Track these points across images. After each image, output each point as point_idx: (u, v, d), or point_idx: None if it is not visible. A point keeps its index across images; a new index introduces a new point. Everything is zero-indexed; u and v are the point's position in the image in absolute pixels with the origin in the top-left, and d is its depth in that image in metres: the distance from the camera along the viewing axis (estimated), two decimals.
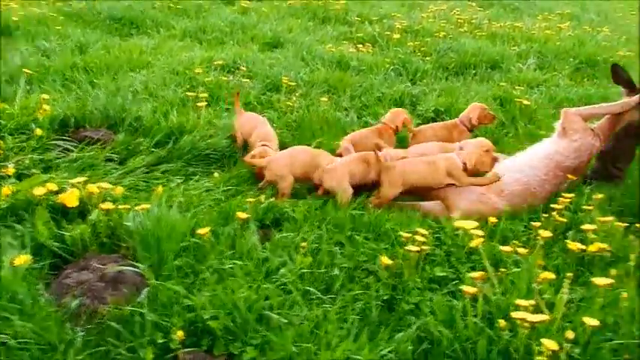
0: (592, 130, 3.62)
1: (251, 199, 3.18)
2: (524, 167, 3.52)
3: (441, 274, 2.69)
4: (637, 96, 3.63)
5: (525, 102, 5.07)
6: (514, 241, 2.88)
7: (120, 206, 2.92)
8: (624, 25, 9.10)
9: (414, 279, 2.66)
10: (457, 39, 7.30)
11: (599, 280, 2.38)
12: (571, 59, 6.85)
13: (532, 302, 2.28)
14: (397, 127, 4.15)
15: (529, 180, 3.46)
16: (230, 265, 2.60)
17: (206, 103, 4.50)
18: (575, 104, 5.42)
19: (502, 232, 3.01)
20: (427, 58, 6.68)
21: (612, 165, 3.83)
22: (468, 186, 3.40)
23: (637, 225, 2.99)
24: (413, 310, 2.48)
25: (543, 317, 2.15)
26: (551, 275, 2.52)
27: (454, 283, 2.63)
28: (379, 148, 3.78)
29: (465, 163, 3.38)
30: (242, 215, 2.93)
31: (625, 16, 9.90)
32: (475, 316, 2.35)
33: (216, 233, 2.86)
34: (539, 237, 2.77)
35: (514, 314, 2.18)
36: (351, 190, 3.46)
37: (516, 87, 5.78)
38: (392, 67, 6.12)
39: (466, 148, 3.67)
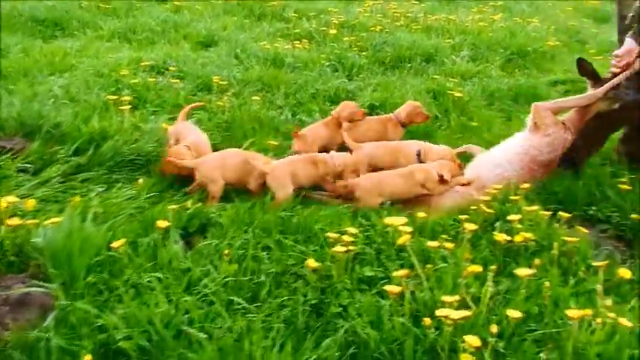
0: (563, 123, 3.68)
1: (175, 206, 3.03)
2: (503, 162, 3.56)
3: (370, 274, 2.63)
4: (602, 87, 3.68)
5: (458, 94, 5.11)
6: (442, 236, 2.86)
7: (29, 221, 2.71)
8: (553, 16, 9.37)
9: (344, 280, 2.60)
10: (393, 33, 7.30)
11: (522, 271, 2.38)
12: (502, 50, 6.98)
13: (457, 298, 2.26)
14: (346, 118, 4.12)
15: (509, 175, 3.49)
16: (148, 279, 2.46)
17: (131, 106, 4.29)
18: (506, 95, 5.55)
19: (431, 226, 2.99)
20: (363, 53, 6.65)
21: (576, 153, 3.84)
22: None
23: (561, 213, 3.03)
24: (341, 313, 2.41)
25: (466, 313, 2.12)
26: (477, 268, 2.51)
27: (383, 282, 2.59)
28: (327, 151, 3.76)
29: (441, 176, 3.41)
30: (162, 224, 2.78)
31: (555, 6, 10.22)
32: (402, 315, 2.31)
33: (135, 244, 2.70)
34: (465, 230, 2.76)
35: (438, 312, 2.15)
36: (290, 190, 3.38)
37: (450, 79, 5.83)
38: (327, 63, 6.05)
39: (429, 155, 3.71)
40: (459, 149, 4.05)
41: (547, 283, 2.42)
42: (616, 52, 3.69)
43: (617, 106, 3.71)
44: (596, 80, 3.82)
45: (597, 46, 7.53)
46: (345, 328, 2.29)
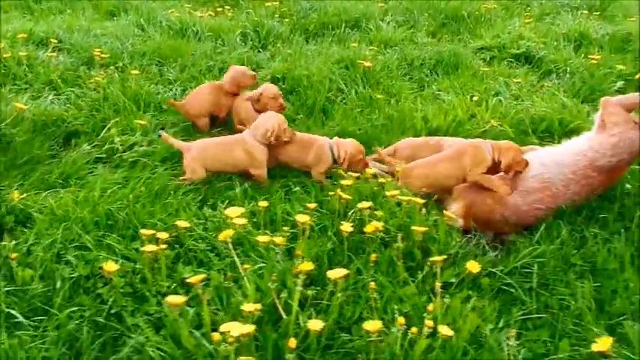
0: (636, 122, 3.00)
1: None
2: (549, 162, 2.97)
3: (189, 275, 2.31)
4: None
5: (367, 64, 4.72)
6: (284, 228, 2.53)
7: None
8: None
9: (159, 284, 2.28)
10: None
11: (335, 273, 2.06)
12: (437, 14, 6.57)
13: (258, 307, 1.94)
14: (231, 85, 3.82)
15: (551, 177, 2.90)
16: None
17: None
18: (427, 64, 5.17)
19: (272, 217, 2.66)
20: (285, 20, 6.21)
21: None
22: None
23: (415, 199, 2.70)
24: (139, 325, 2.09)
25: (248, 329, 1.80)
26: (308, 266, 2.20)
27: (203, 285, 2.26)
28: (240, 130, 3.40)
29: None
30: None
31: None
32: (200, 327, 2.00)
33: None
34: (303, 223, 2.43)
35: (222, 326, 1.84)
36: (200, 175, 3.12)
37: (371, 47, 5.43)
38: (240, 32, 5.61)
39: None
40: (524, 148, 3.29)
41: (372, 284, 2.11)
42: None
43: None
44: None
45: (541, 9, 7.14)
46: (132, 344, 1.97)
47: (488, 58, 5.38)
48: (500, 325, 2.19)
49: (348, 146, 3.20)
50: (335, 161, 3.20)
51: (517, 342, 2.09)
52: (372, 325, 1.82)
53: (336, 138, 3.34)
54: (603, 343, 1.97)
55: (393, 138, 3.66)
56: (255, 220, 2.68)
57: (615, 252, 2.54)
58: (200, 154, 3.15)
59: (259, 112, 3.46)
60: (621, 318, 2.24)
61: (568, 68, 4.96)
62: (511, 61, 5.27)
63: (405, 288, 2.27)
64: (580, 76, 4.76)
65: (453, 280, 2.39)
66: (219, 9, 6.77)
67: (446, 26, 6.48)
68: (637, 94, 3.20)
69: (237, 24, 5.91)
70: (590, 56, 5.12)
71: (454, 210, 2.88)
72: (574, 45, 5.59)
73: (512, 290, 2.40)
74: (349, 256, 2.43)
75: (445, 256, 2.29)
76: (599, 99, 4.46)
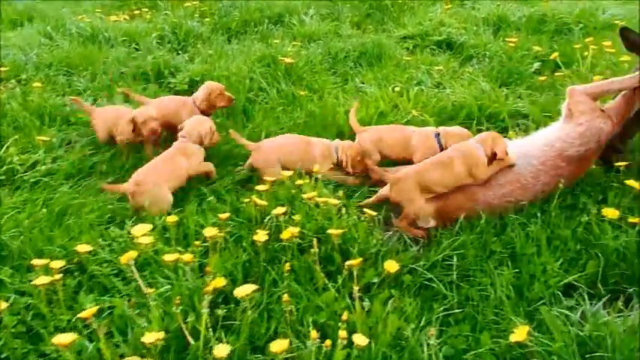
0: (602, 111, 2.98)
1: None
2: (517, 155, 2.90)
3: (90, 306, 2.13)
4: None
5: (288, 60, 4.60)
6: (196, 242, 2.39)
7: None
8: None
9: (58, 318, 2.09)
10: None
11: (242, 290, 1.94)
12: (361, 5, 6.52)
13: (160, 336, 1.80)
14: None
15: (520, 170, 2.84)
16: None
17: None
18: (350, 56, 5.10)
19: (186, 232, 2.51)
20: (206, 20, 6.00)
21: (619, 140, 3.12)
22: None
23: (330, 200, 2.62)
24: None
25: None
26: (220, 282, 2.07)
27: (108, 314, 2.10)
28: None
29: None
30: None
31: None
32: None
33: None
34: (213, 236, 2.30)
35: None
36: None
37: (295, 43, 5.32)
38: (157, 35, 5.37)
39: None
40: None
41: (285, 297, 2.00)
42: None
43: None
44: None
45: None
46: None
47: (411, 47, 5.37)
48: (423, 323, 2.14)
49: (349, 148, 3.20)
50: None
51: (438, 340, 2.06)
52: (279, 345, 1.72)
53: (337, 140, 3.33)
54: (520, 333, 1.96)
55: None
56: (167, 235, 2.53)
57: (532, 236, 2.55)
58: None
59: (205, 113, 3.41)
60: (539, 303, 2.24)
61: (487, 52, 5.02)
62: (433, 49, 5.29)
63: (323, 295, 2.19)
64: (499, 60, 4.82)
65: (376, 279, 2.33)
66: (137, 12, 6.48)
67: (370, 16, 6.45)
68: (602, 82, 3.22)
69: (154, 27, 5.66)
70: (507, 39, 5.20)
71: (425, 210, 2.79)
72: (493, 29, 5.68)
73: (435, 285, 2.37)
74: (265, 267, 2.32)
75: (361, 258, 2.21)
76: (516, 82, 4.59)
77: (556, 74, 4.50)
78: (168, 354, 1.86)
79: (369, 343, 1.89)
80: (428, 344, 1.98)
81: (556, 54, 4.70)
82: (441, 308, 2.23)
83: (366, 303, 2.09)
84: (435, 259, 2.48)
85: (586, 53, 4.62)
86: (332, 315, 2.09)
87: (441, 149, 3.13)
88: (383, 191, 2.93)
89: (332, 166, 3.22)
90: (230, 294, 2.14)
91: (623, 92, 3.08)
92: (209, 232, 2.27)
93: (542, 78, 4.47)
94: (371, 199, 2.96)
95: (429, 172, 2.81)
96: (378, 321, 2.07)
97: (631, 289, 2.30)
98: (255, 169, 3.14)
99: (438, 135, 3.24)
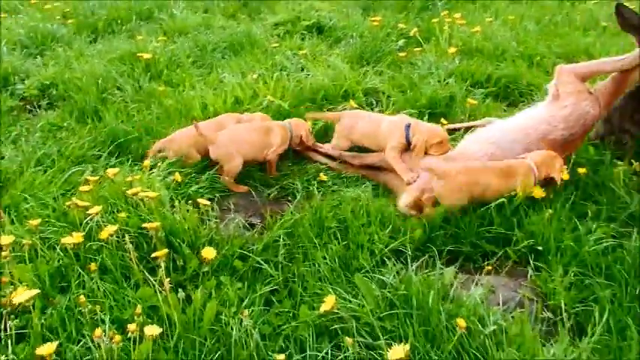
0: (590, 93, 2.83)
1: None
2: (500, 140, 2.76)
3: None
4: None
5: (147, 56, 4.44)
6: (2, 254, 2.23)
7: None
8: None
9: None
10: None
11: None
12: None
13: None
14: None
15: (504, 155, 2.70)
16: None
17: None
18: (219, 47, 5.00)
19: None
20: (69, 22, 5.70)
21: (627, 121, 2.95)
22: None
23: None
24: None
25: None
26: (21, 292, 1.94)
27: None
28: None
29: None
30: None
31: None
32: None
33: None
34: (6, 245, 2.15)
35: None
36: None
37: (161, 38, 5.14)
38: (9, 40, 5.03)
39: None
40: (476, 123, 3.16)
41: (82, 298, 1.91)
42: None
43: None
44: None
45: None
46: None
47: (282, 34, 5.35)
48: (246, 305, 2.12)
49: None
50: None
51: (261, 319, 2.05)
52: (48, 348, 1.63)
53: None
54: (328, 302, 1.98)
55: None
56: None
57: (363, 209, 2.59)
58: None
59: None
60: (363, 271, 2.27)
61: (354, 33, 5.08)
62: (304, 34, 5.29)
63: (139, 291, 2.11)
64: (364, 40, 4.88)
65: (207, 268, 2.28)
66: None
67: (247, 6, 6.36)
68: (592, 62, 3.06)
69: (9, 32, 5.30)
70: (372, 19, 5.29)
71: (405, 201, 2.68)
72: (362, 10, 5.76)
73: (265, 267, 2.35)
74: (78, 270, 2.21)
75: (166, 250, 2.14)
76: (380, 60, 4.67)
77: (415, 49, 4.63)
78: None
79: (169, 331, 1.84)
80: (241, 324, 1.96)
81: (415, 29, 4.84)
82: (267, 288, 2.22)
83: (181, 293, 2.05)
84: (267, 241, 2.47)
85: (445, 28, 4.79)
86: (146, 310, 2.02)
87: (408, 142, 2.93)
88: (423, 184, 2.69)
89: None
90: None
91: (612, 75, 2.94)
92: (6, 239, 2.13)
93: (402, 54, 4.57)
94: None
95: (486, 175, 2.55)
96: (195, 310, 2.03)
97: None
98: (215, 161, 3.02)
99: (408, 126, 2.95)
